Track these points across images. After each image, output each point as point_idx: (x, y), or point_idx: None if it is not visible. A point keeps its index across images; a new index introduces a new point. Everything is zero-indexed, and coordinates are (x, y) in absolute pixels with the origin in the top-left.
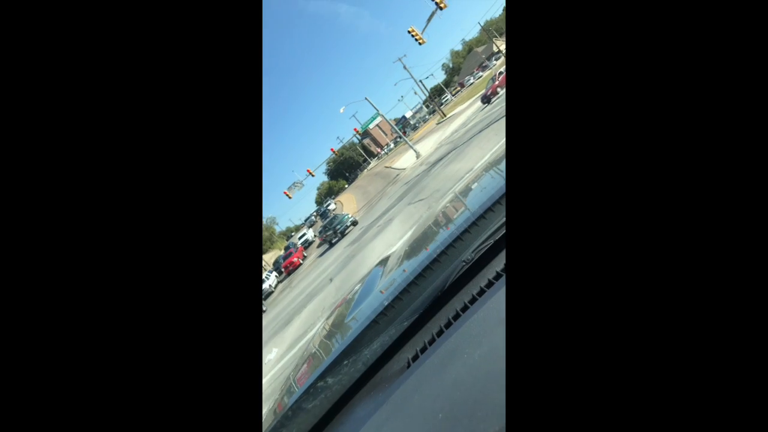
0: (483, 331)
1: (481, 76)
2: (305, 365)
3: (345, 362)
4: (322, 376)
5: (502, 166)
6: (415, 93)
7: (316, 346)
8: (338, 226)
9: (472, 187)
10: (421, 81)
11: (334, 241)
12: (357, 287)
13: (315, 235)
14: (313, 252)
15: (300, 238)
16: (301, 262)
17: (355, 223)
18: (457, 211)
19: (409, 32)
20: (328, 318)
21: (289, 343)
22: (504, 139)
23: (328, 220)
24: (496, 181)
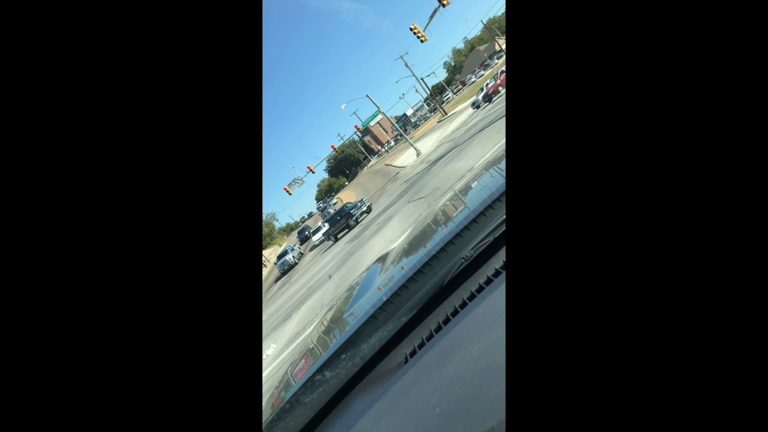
0: (481, 328)
1: (483, 75)
2: (303, 360)
3: (343, 357)
4: (320, 371)
5: (503, 164)
6: (417, 91)
7: (314, 342)
8: (353, 215)
9: (472, 185)
10: (422, 79)
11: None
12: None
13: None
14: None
15: None
16: None
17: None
18: (456, 208)
19: (411, 29)
20: (326, 314)
21: (288, 338)
22: (505, 138)
23: (337, 211)
24: (496, 179)
